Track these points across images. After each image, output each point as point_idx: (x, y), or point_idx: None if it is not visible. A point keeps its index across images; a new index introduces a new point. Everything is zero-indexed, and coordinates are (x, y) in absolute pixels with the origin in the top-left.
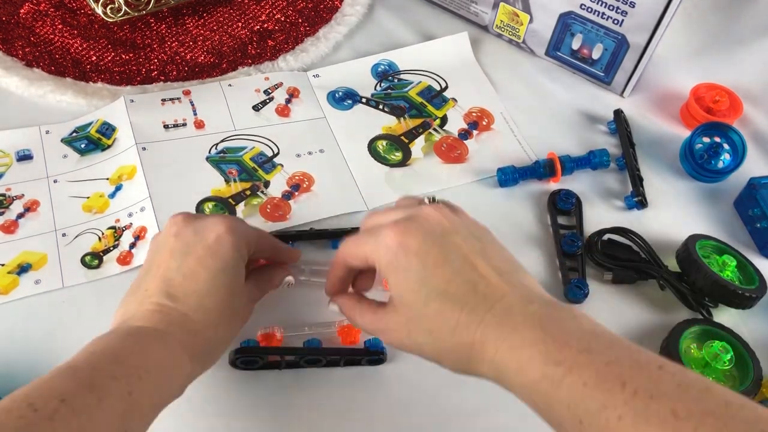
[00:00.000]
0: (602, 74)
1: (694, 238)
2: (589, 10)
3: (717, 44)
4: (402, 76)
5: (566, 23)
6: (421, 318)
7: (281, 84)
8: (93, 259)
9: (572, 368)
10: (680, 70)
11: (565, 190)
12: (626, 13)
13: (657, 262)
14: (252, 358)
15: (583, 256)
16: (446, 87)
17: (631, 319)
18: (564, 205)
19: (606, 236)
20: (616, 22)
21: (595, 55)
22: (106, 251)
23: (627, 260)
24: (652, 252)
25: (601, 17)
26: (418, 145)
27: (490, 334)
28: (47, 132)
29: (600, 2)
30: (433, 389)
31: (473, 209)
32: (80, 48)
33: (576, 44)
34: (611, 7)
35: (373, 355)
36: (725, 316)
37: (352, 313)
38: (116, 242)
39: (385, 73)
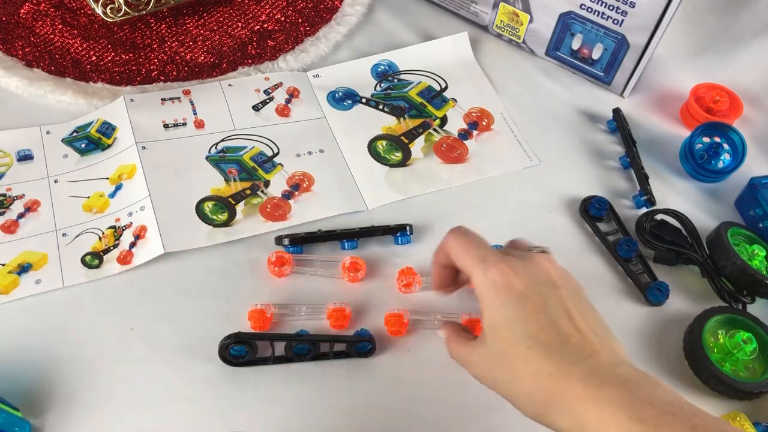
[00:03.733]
0: (602, 74)
1: (726, 225)
2: (589, 10)
3: (717, 44)
4: (402, 77)
5: (566, 23)
6: (506, 355)
7: (281, 84)
8: (93, 259)
9: (657, 426)
10: (680, 70)
11: (597, 197)
12: (626, 13)
13: (701, 249)
14: (241, 345)
15: (642, 257)
16: (446, 87)
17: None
18: (597, 212)
19: (659, 216)
20: (616, 22)
21: (595, 55)
22: (107, 251)
23: (672, 243)
24: (698, 238)
25: (601, 17)
26: (418, 146)
27: (573, 386)
28: (48, 132)
29: (600, 2)
30: (424, 381)
31: (473, 210)
32: (80, 48)
33: (576, 44)
34: (611, 7)
35: (362, 341)
36: (756, 307)
37: (449, 343)
38: (116, 242)
39: (385, 74)
